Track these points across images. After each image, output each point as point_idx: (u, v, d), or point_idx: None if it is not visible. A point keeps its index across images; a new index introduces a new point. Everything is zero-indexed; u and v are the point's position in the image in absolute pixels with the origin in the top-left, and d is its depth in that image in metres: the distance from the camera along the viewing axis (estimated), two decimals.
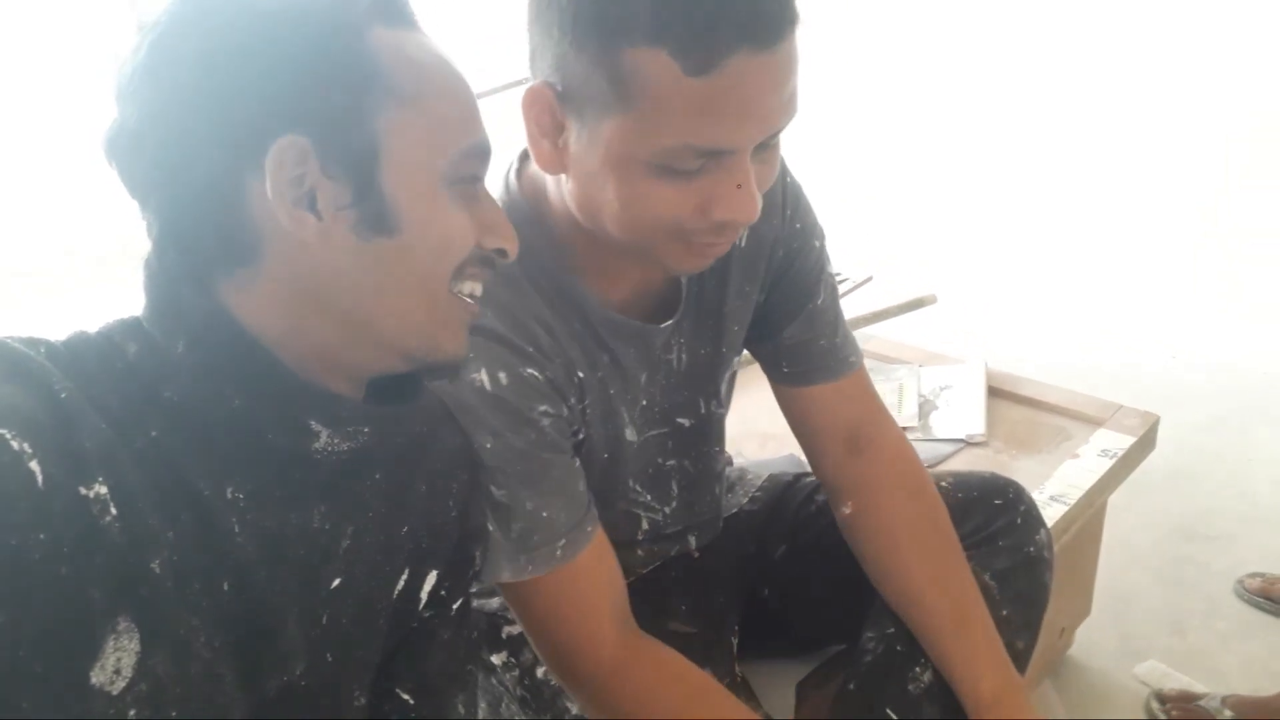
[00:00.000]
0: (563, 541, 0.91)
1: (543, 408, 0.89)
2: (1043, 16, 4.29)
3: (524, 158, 0.94)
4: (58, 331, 0.64)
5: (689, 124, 0.74)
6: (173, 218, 0.65)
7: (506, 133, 0.88)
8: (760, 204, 0.80)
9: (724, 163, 0.77)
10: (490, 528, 0.90)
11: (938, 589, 1.03)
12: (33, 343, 0.61)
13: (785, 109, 0.77)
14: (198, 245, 0.65)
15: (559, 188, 0.86)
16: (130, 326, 0.66)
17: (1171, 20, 3.97)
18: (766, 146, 0.80)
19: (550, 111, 0.79)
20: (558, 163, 0.82)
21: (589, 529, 0.93)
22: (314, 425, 0.67)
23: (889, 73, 4.41)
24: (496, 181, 0.94)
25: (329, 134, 0.63)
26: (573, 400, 0.94)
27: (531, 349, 0.89)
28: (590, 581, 0.93)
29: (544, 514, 0.90)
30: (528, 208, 0.91)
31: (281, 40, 0.62)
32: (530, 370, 0.88)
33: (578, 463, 0.95)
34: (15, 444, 0.53)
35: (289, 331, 0.67)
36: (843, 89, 4.23)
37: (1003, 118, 4.13)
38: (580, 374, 0.94)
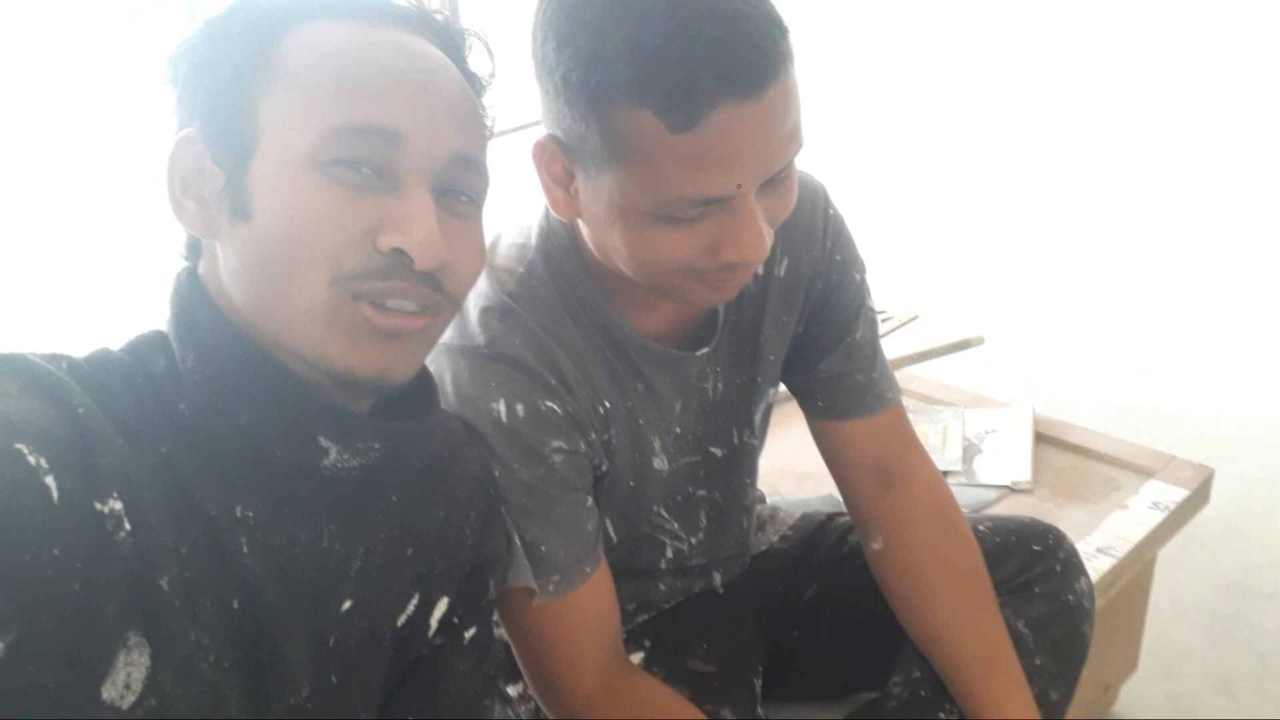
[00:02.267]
0: (556, 578, 0.90)
1: (557, 443, 0.89)
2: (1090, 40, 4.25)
3: None
4: (58, 333, 0.65)
5: (681, 178, 0.74)
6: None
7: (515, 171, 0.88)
8: (769, 242, 0.80)
9: (726, 206, 0.77)
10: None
11: (965, 625, 1.00)
12: (54, 358, 0.61)
13: (783, 148, 0.76)
14: (190, 247, 0.69)
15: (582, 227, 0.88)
16: (158, 340, 0.66)
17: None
18: (775, 181, 0.79)
19: (560, 161, 0.81)
20: (571, 208, 0.84)
21: (588, 569, 0.92)
22: (323, 441, 0.66)
23: (936, 112, 4.39)
24: (537, 210, 0.94)
25: (215, 123, 0.65)
26: (593, 435, 0.93)
27: (555, 381, 0.89)
28: (579, 618, 0.92)
29: (542, 548, 0.89)
30: (565, 236, 0.92)
31: (214, 38, 0.65)
32: (550, 404, 0.88)
33: (590, 501, 0.94)
34: (32, 459, 0.53)
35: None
36: (891, 128, 4.22)
37: (1058, 162, 4.09)
38: (607, 404, 0.94)
